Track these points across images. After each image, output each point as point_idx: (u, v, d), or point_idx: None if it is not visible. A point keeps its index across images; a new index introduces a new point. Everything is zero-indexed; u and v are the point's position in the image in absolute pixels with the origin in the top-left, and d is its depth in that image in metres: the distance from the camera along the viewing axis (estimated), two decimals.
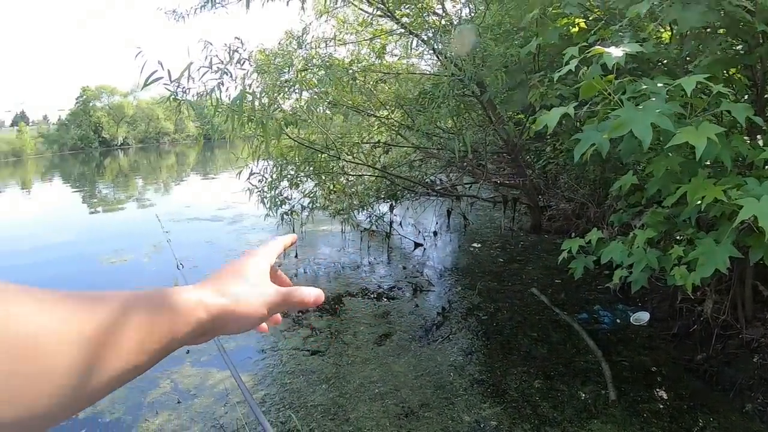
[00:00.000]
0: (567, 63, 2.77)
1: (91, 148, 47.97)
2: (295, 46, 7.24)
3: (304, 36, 7.21)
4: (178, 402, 3.96)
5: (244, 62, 4.33)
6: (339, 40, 7.33)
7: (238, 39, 4.50)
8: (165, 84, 3.64)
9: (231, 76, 4.31)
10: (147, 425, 3.73)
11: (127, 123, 53.86)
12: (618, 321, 4.97)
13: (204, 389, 4.11)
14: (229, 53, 4.35)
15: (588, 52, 2.67)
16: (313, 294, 0.62)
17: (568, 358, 4.35)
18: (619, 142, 2.66)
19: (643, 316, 4.82)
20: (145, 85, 3.50)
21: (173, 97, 3.74)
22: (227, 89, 4.27)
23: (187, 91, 3.84)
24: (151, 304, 0.46)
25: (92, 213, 14.79)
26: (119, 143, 50.91)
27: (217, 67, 4.22)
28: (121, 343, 0.41)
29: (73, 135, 49.33)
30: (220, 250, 8.26)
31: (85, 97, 53.28)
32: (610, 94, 2.62)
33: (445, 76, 5.41)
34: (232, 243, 8.66)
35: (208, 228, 10.17)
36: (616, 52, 2.54)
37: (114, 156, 36.34)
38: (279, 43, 7.68)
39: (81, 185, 22.51)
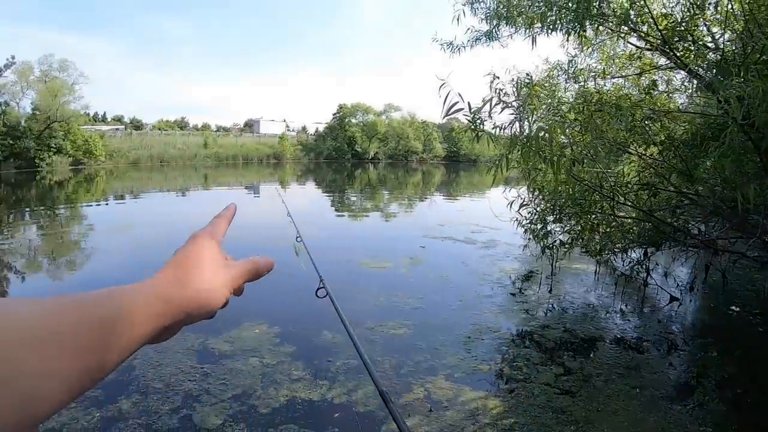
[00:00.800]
0: None
1: (344, 159, 52.52)
2: (563, 79, 7.26)
3: (571, 69, 7.20)
4: (430, 410, 4.16)
5: (534, 97, 4.43)
6: (607, 74, 7.15)
7: (528, 75, 4.64)
8: (465, 114, 3.89)
9: (520, 109, 4.44)
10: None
11: (378, 139, 57.98)
12: None
13: (456, 404, 4.27)
14: (516, 87, 4.50)
15: None
16: (269, 263, 0.67)
17: None
18: None
19: None
20: (446, 114, 3.77)
21: (472, 127, 3.98)
22: (509, 122, 4.42)
23: (483, 122, 4.05)
24: (111, 303, 0.46)
25: (339, 216, 16.11)
26: (370, 157, 54.99)
27: (509, 102, 4.37)
28: (78, 342, 0.41)
29: (329, 146, 54.59)
30: (474, 273, 8.43)
31: (341, 113, 58.69)
32: None
33: (731, 118, 4.94)
34: (485, 268, 8.76)
35: (461, 249, 10.38)
36: None
37: (364, 168, 39.39)
38: (547, 75, 7.73)
39: (331, 190, 24.72)
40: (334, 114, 60.31)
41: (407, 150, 60.42)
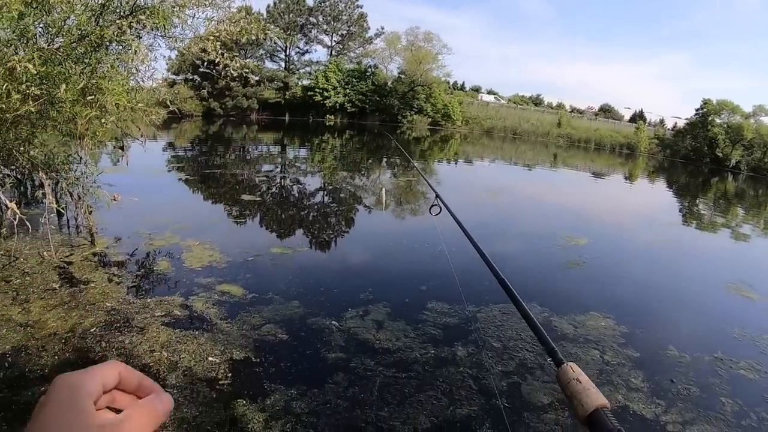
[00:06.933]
0: None
1: (701, 162, 47.36)
2: None
3: None
4: None
5: None
6: None
7: None
8: None
9: None
10: None
11: (743, 146, 50.83)
12: None
13: None
14: None
15: None
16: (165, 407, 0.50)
17: None
18: None
19: None
20: None
21: None
22: None
23: None
24: None
25: (685, 225, 14.61)
26: (731, 165, 48.62)
27: None
28: None
29: (687, 145, 49.76)
30: None
31: (705, 110, 52.38)
32: None
33: None
34: None
35: None
36: None
37: (722, 177, 34.90)
38: None
39: (681, 194, 22.41)
40: (696, 110, 54.44)
41: None
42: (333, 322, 5.10)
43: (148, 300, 5.31)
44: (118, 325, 4.74)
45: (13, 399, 3.59)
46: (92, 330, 4.60)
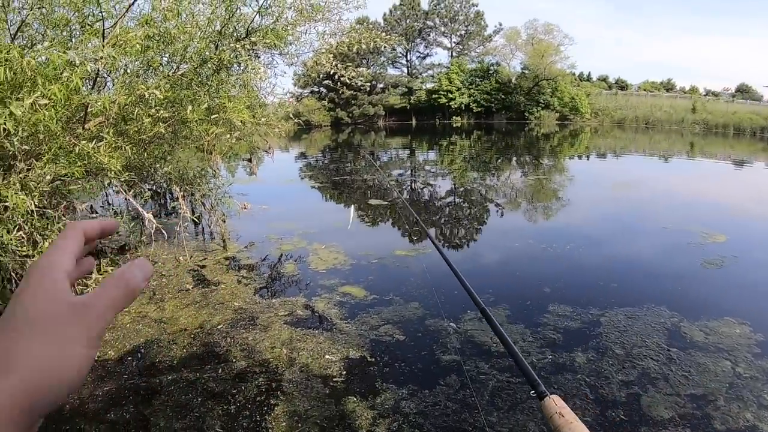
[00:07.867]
0: None
1: None
2: None
3: None
4: None
5: None
6: None
7: None
8: None
9: None
10: None
11: None
12: None
13: None
14: None
15: None
16: (145, 270, 0.46)
17: None
18: None
19: None
20: None
21: None
22: None
23: None
24: None
25: None
26: None
27: None
28: None
29: None
30: None
31: None
32: None
33: None
34: None
35: None
36: None
37: None
38: None
39: None
40: None
41: None
42: (451, 323, 5.13)
43: (273, 300, 5.68)
44: (244, 323, 5.13)
45: (142, 386, 4.04)
46: (219, 327, 5.04)
